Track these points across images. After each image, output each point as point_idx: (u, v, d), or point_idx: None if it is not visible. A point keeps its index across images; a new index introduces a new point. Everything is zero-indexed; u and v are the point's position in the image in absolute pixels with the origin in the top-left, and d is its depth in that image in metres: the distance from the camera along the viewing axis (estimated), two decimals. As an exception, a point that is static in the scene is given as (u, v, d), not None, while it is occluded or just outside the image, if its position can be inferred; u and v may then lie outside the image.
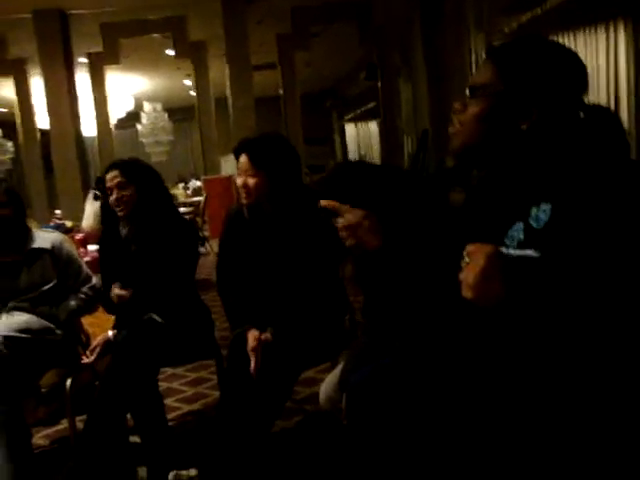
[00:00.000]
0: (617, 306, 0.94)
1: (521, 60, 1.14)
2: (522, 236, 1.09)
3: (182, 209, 8.50)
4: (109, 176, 2.27)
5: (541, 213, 1.06)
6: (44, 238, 2.36)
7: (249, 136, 2.18)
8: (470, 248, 0.99)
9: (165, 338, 2.14)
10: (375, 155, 13.40)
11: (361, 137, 15.40)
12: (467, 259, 0.99)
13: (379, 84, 9.26)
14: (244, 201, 2.08)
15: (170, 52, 8.52)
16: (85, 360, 2.25)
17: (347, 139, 16.51)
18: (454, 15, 7.17)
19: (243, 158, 2.06)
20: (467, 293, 0.97)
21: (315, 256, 2.02)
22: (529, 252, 1.05)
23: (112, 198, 2.25)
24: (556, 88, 1.11)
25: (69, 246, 2.43)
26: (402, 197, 1.62)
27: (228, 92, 7.81)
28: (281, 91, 8.74)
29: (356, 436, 1.28)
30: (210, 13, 7.59)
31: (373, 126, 13.74)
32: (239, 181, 2.07)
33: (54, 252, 2.33)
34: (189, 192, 12.92)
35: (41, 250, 2.31)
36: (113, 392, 2.02)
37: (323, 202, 1.32)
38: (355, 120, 15.13)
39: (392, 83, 9.40)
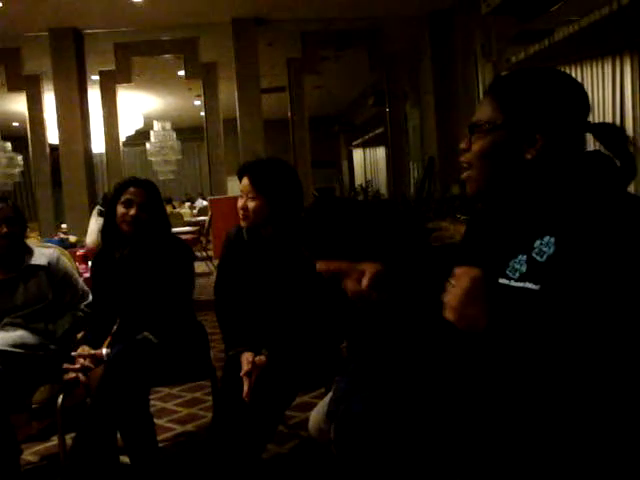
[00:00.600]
0: (614, 343, 0.93)
1: (518, 88, 1.13)
2: (524, 268, 1.07)
3: (187, 228, 8.54)
4: (134, 190, 2.21)
5: (545, 246, 1.05)
6: (41, 254, 2.35)
7: (253, 159, 2.19)
8: (457, 271, 1.00)
9: (159, 358, 2.12)
10: (382, 181, 13.44)
11: (368, 163, 15.47)
12: (453, 281, 0.99)
13: (387, 109, 9.32)
14: (242, 223, 2.08)
15: (181, 73, 8.63)
16: (72, 376, 2.20)
17: (354, 164, 16.60)
18: (463, 44, 7.25)
19: (245, 180, 2.06)
20: (449, 315, 0.99)
21: (312, 282, 2.00)
22: (529, 285, 1.04)
23: (128, 214, 2.19)
24: (558, 111, 1.09)
25: (66, 262, 2.43)
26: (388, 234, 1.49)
27: (237, 114, 7.87)
28: (289, 114, 8.81)
29: (345, 467, 1.26)
30: (221, 35, 7.70)
31: (380, 152, 13.81)
32: (239, 203, 2.07)
33: (50, 269, 2.32)
34: (195, 211, 12.99)
35: (37, 267, 2.31)
36: (103, 410, 1.99)
37: (320, 266, 1.23)
38: (363, 146, 15.22)
39: (400, 109, 9.45)
